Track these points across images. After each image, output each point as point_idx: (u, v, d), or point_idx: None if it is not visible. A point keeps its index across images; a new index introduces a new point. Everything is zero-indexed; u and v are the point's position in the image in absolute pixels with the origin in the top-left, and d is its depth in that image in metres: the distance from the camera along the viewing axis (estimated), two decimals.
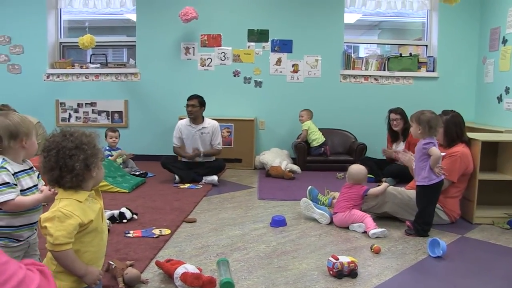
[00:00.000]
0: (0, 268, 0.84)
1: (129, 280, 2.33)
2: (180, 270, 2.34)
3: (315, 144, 5.95)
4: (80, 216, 1.45)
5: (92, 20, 7.03)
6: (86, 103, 6.59)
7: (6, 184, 1.76)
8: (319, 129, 6.03)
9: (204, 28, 6.32)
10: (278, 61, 6.32)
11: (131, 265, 2.55)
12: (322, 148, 5.93)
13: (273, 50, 6.30)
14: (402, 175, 4.61)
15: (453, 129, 3.58)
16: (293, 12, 6.24)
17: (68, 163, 1.44)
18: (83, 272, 1.47)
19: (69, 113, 6.61)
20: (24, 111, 5.39)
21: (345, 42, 6.57)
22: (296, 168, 5.67)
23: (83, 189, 1.51)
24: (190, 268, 2.36)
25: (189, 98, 5.18)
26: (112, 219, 3.46)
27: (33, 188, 1.85)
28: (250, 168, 6.08)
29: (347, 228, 3.37)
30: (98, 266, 1.59)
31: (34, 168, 2.00)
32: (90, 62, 6.70)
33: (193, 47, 6.41)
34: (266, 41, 6.29)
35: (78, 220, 1.44)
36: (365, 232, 3.25)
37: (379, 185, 3.60)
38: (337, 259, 2.47)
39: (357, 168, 3.58)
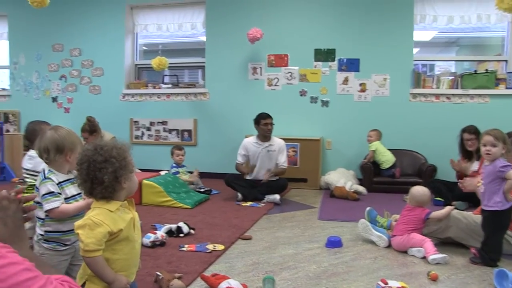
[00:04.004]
0: (25, 284, 0.88)
1: None
2: (223, 285, 2.35)
3: (385, 165, 5.75)
4: (110, 225, 1.51)
5: (167, 43, 7.42)
6: (158, 122, 6.91)
7: (51, 193, 1.90)
8: (388, 149, 5.83)
9: (271, 48, 6.41)
10: (345, 80, 6.23)
11: (179, 278, 2.60)
12: (393, 170, 5.71)
13: (340, 69, 6.23)
14: (474, 199, 4.29)
15: None
16: (360, 31, 6.15)
17: (98, 175, 1.52)
18: (111, 279, 1.52)
19: (142, 131, 6.97)
20: (102, 129, 5.83)
21: (418, 60, 6.36)
22: (361, 189, 5.52)
23: (115, 199, 1.57)
24: (234, 283, 2.36)
25: (266, 117, 5.26)
26: (169, 232, 3.57)
27: (77, 196, 1.97)
28: (316, 188, 5.99)
29: (406, 252, 3.20)
30: (131, 274, 1.64)
31: None
32: (162, 83, 7.04)
33: (260, 67, 6.51)
34: (333, 60, 6.24)
35: (107, 229, 1.50)
36: (424, 257, 3.05)
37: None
38: (386, 283, 2.35)
39: (420, 190, 3.39)
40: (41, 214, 1.97)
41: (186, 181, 5.43)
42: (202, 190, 5.53)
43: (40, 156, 2.01)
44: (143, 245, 3.25)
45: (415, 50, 6.43)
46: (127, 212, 1.61)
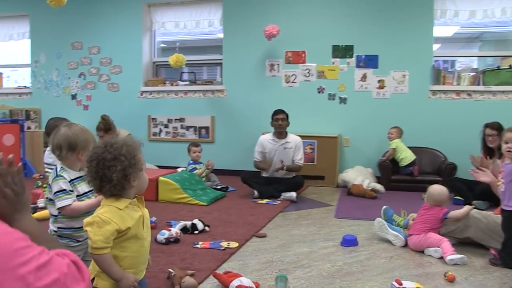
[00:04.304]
0: (18, 252, 0.85)
1: None
2: (235, 283, 2.34)
3: (404, 163, 5.65)
4: (118, 223, 1.51)
5: (185, 41, 7.44)
6: (175, 119, 6.94)
7: (63, 191, 1.91)
8: (407, 147, 5.73)
9: (288, 45, 6.37)
10: (363, 77, 6.15)
11: (191, 275, 2.59)
12: (411, 168, 5.62)
13: (358, 66, 6.15)
14: (494, 198, 4.19)
15: None
16: (379, 27, 6.05)
17: (107, 173, 1.51)
18: (119, 277, 1.52)
19: (160, 128, 7.01)
20: (120, 126, 5.88)
21: (439, 56, 6.24)
22: (379, 187, 5.45)
23: (124, 197, 1.57)
24: (245, 281, 2.35)
25: (277, 112, 5.23)
26: (184, 229, 3.58)
27: (89, 193, 1.98)
28: (333, 186, 5.93)
29: (422, 252, 3.13)
30: (140, 271, 1.64)
31: None
32: (180, 80, 7.06)
33: (278, 64, 6.47)
34: (351, 56, 6.17)
35: (115, 226, 1.50)
36: (441, 257, 2.99)
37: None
38: (401, 284, 2.30)
39: (438, 189, 3.31)
40: (54, 211, 1.98)
41: (199, 174, 5.42)
42: (218, 187, 5.53)
43: (53, 152, 2.03)
44: (157, 242, 3.28)
45: (436, 46, 6.31)
46: (136, 210, 1.60)
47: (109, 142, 1.56)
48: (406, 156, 5.65)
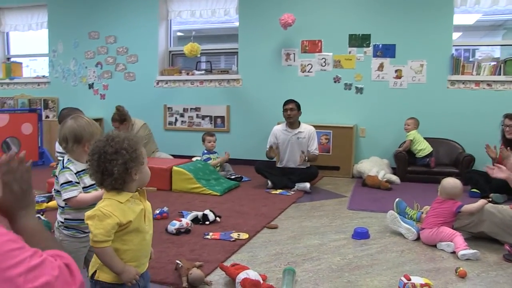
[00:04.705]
0: (9, 254, 0.85)
1: (192, 280, 2.39)
2: (241, 276, 2.33)
3: (421, 154, 5.56)
4: (119, 216, 1.51)
5: (202, 29, 7.42)
6: (191, 108, 6.95)
7: (69, 182, 1.93)
8: (424, 138, 5.64)
9: (304, 34, 6.29)
10: (380, 67, 6.04)
11: (200, 266, 2.60)
12: (428, 159, 5.53)
13: (375, 55, 6.04)
14: None
15: None
16: (396, 15, 5.92)
17: (108, 167, 1.51)
18: (120, 270, 1.53)
19: (176, 117, 7.03)
20: (136, 115, 5.93)
21: (460, 45, 6.08)
22: (394, 178, 5.38)
23: (125, 190, 1.57)
24: (252, 274, 2.34)
25: (287, 103, 5.20)
26: (195, 220, 3.59)
27: (95, 185, 1.98)
28: (348, 176, 5.88)
29: (435, 246, 3.08)
30: (142, 264, 1.64)
31: None
32: (196, 69, 7.05)
33: (294, 53, 6.41)
34: (368, 46, 6.06)
35: (116, 220, 1.50)
36: (454, 252, 2.93)
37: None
38: (409, 279, 2.27)
39: (452, 182, 3.25)
40: (61, 203, 2.00)
41: (213, 164, 5.43)
42: (232, 177, 5.54)
43: (60, 144, 2.04)
44: (168, 232, 3.30)
45: (457, 35, 6.15)
46: (138, 203, 1.60)
47: (110, 136, 1.56)
48: (424, 148, 5.55)
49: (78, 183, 1.95)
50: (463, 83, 5.77)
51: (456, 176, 4.72)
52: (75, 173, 1.96)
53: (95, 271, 1.60)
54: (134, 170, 1.55)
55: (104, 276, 1.57)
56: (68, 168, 1.96)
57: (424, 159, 5.54)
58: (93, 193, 1.93)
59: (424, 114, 5.79)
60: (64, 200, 1.94)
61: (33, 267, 0.87)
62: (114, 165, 1.51)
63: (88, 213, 1.54)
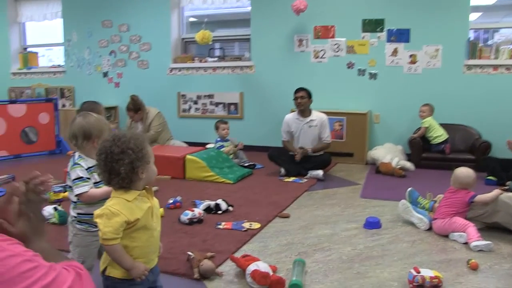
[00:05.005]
0: (24, 275, 0.91)
1: (203, 272, 2.43)
2: (251, 267, 2.36)
3: (437, 141, 5.49)
4: (127, 215, 1.54)
5: (215, 15, 7.37)
6: (204, 95, 6.96)
7: (80, 178, 1.97)
8: (440, 124, 5.56)
9: (317, 19, 6.22)
10: (394, 52, 5.95)
11: (211, 257, 2.64)
12: (443, 146, 5.46)
13: (389, 40, 5.95)
14: None
15: None
16: None
17: (115, 167, 1.54)
18: (129, 266, 1.57)
19: (189, 105, 7.06)
20: (150, 103, 5.98)
21: (477, 28, 5.95)
22: (409, 165, 5.34)
23: (132, 189, 1.59)
24: (262, 266, 2.37)
25: (297, 91, 5.17)
26: (208, 209, 3.63)
27: None
28: (362, 163, 5.86)
29: (447, 236, 3.07)
30: (150, 260, 1.68)
31: None
32: (209, 56, 7.05)
33: (306, 39, 6.35)
34: (382, 30, 5.96)
35: (124, 218, 1.53)
36: (466, 243, 2.92)
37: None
38: (419, 272, 2.27)
39: (465, 172, 3.21)
40: (73, 198, 2.05)
41: (227, 152, 5.45)
42: (246, 164, 5.56)
43: (70, 141, 2.08)
44: (180, 222, 3.34)
45: (476, 15, 5.99)
46: (145, 201, 1.63)
47: (117, 136, 1.58)
48: (440, 135, 5.48)
49: (89, 178, 1.99)
50: (480, 68, 5.65)
51: (472, 163, 4.69)
52: (86, 169, 2.00)
53: (106, 267, 1.64)
54: (141, 169, 1.57)
55: (115, 271, 1.61)
56: (79, 164, 2.00)
57: (439, 145, 5.47)
58: (103, 188, 1.97)
59: (440, 99, 5.70)
60: (76, 195, 1.99)
61: (48, 285, 0.93)
62: (120, 164, 1.53)
63: (97, 211, 1.57)
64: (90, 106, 3.90)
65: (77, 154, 2.05)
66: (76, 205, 2.07)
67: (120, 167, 1.53)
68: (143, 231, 1.61)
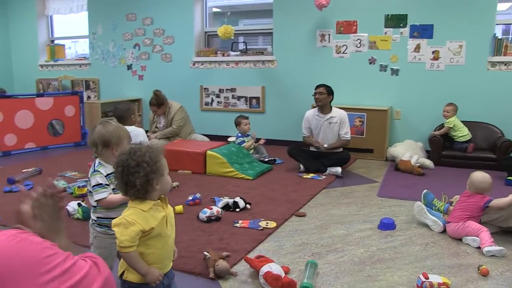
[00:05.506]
0: (44, 260, 1.00)
1: (218, 272, 2.53)
2: (264, 269, 2.44)
3: (462, 139, 5.44)
4: (142, 224, 1.64)
5: (236, 5, 7.40)
6: (226, 89, 7.04)
7: (99, 185, 2.08)
8: (461, 121, 5.50)
9: (339, 14, 6.19)
10: (417, 48, 5.89)
11: (226, 257, 2.74)
12: (466, 145, 5.39)
13: (411, 36, 5.88)
14: None
15: None
16: None
17: (131, 179, 1.64)
18: (144, 272, 1.67)
19: (212, 98, 7.16)
20: (172, 96, 6.11)
21: (504, 23, 5.83)
22: (428, 163, 5.32)
23: (148, 199, 1.69)
24: (274, 268, 2.45)
25: (317, 87, 5.21)
26: (226, 207, 3.72)
27: None
28: (382, 159, 5.86)
29: (460, 240, 3.09)
30: (165, 265, 1.78)
31: None
32: (231, 50, 7.11)
33: (329, 34, 6.33)
34: (404, 26, 5.90)
35: (140, 227, 1.63)
36: (479, 247, 2.93)
37: None
38: (427, 278, 2.31)
39: (480, 176, 3.19)
40: (93, 202, 2.16)
41: (247, 147, 5.52)
42: (266, 159, 5.62)
43: (91, 148, 2.19)
44: (199, 220, 3.45)
45: (506, 5, 5.83)
46: (160, 210, 1.72)
47: (133, 149, 1.67)
48: (464, 134, 5.42)
49: (108, 185, 2.10)
50: (505, 65, 5.54)
51: (493, 162, 4.65)
52: (105, 176, 2.11)
53: (123, 271, 1.74)
54: (155, 181, 1.66)
55: (131, 276, 1.72)
56: (99, 171, 2.11)
57: (463, 143, 5.41)
58: (121, 195, 2.07)
59: (462, 96, 5.64)
60: (96, 200, 2.10)
61: (66, 269, 1.02)
62: (136, 177, 1.63)
63: (114, 221, 1.67)
64: (126, 106, 4.20)
65: (97, 161, 2.16)
66: (95, 209, 2.18)
67: (136, 180, 1.63)
68: (158, 238, 1.70)
